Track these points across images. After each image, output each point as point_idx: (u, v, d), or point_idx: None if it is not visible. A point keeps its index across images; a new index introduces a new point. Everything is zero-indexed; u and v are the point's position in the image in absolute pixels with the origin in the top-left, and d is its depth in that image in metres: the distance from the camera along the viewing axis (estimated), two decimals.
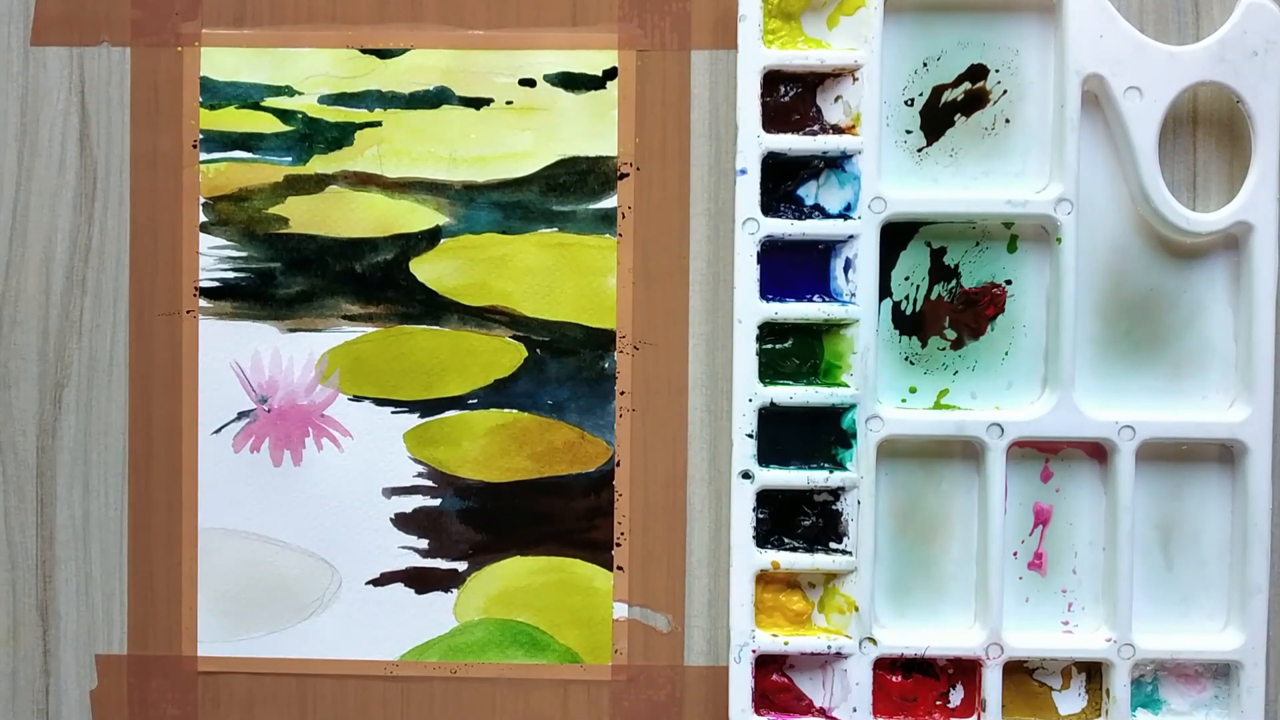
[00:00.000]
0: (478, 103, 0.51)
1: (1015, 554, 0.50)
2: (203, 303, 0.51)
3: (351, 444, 0.51)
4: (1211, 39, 0.49)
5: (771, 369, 0.50)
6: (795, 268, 0.50)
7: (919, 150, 0.50)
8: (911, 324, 0.50)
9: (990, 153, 0.50)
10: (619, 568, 0.51)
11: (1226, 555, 0.50)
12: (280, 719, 0.52)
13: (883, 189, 0.49)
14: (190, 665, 0.52)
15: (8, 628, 0.52)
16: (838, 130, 0.50)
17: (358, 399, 0.51)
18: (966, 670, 0.50)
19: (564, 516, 0.51)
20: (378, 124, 0.51)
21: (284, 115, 0.51)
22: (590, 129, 0.51)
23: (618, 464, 0.51)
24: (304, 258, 0.51)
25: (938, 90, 0.50)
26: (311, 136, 0.51)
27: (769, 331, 0.50)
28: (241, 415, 0.51)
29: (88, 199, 0.51)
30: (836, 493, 0.50)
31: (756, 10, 0.49)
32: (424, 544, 0.51)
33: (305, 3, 0.51)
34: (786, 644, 0.49)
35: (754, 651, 0.49)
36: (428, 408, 0.51)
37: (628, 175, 0.51)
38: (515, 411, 0.51)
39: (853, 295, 0.49)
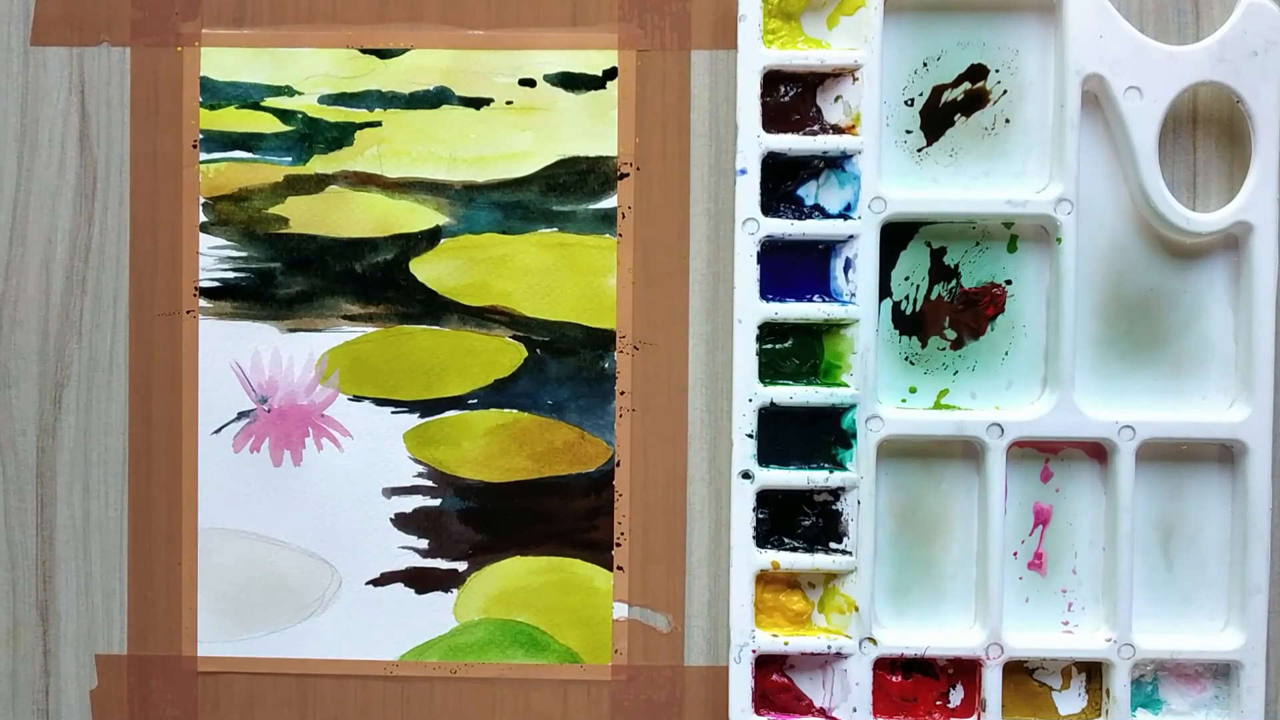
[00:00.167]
0: (478, 103, 0.51)
1: (1015, 554, 0.50)
2: (203, 303, 0.51)
3: (351, 444, 0.51)
4: (1211, 39, 0.49)
5: (771, 369, 0.50)
6: (795, 268, 0.50)
7: (919, 150, 0.50)
8: (911, 324, 0.50)
9: (990, 153, 0.50)
10: (619, 568, 0.51)
11: (1226, 555, 0.50)
12: (280, 719, 0.52)
13: (883, 189, 0.49)
14: (190, 665, 0.52)
15: (8, 628, 0.52)
16: (838, 130, 0.50)
17: (358, 399, 0.51)
18: (966, 670, 0.50)
19: (564, 516, 0.51)
20: (378, 124, 0.51)
21: (284, 115, 0.51)
22: (590, 129, 0.51)
23: (618, 464, 0.51)
24: (304, 258, 0.51)
25: (938, 90, 0.50)
26: (311, 136, 0.51)
27: (769, 331, 0.50)
28: (241, 415, 0.51)
29: (88, 199, 0.51)
30: (836, 493, 0.50)
31: (756, 10, 0.49)
32: (424, 544, 0.51)
33: (305, 3, 0.51)
34: (786, 644, 0.49)
35: (754, 651, 0.49)
36: (428, 408, 0.51)
37: (628, 175, 0.51)
38: (515, 411, 0.51)
39: (853, 295, 0.49)
